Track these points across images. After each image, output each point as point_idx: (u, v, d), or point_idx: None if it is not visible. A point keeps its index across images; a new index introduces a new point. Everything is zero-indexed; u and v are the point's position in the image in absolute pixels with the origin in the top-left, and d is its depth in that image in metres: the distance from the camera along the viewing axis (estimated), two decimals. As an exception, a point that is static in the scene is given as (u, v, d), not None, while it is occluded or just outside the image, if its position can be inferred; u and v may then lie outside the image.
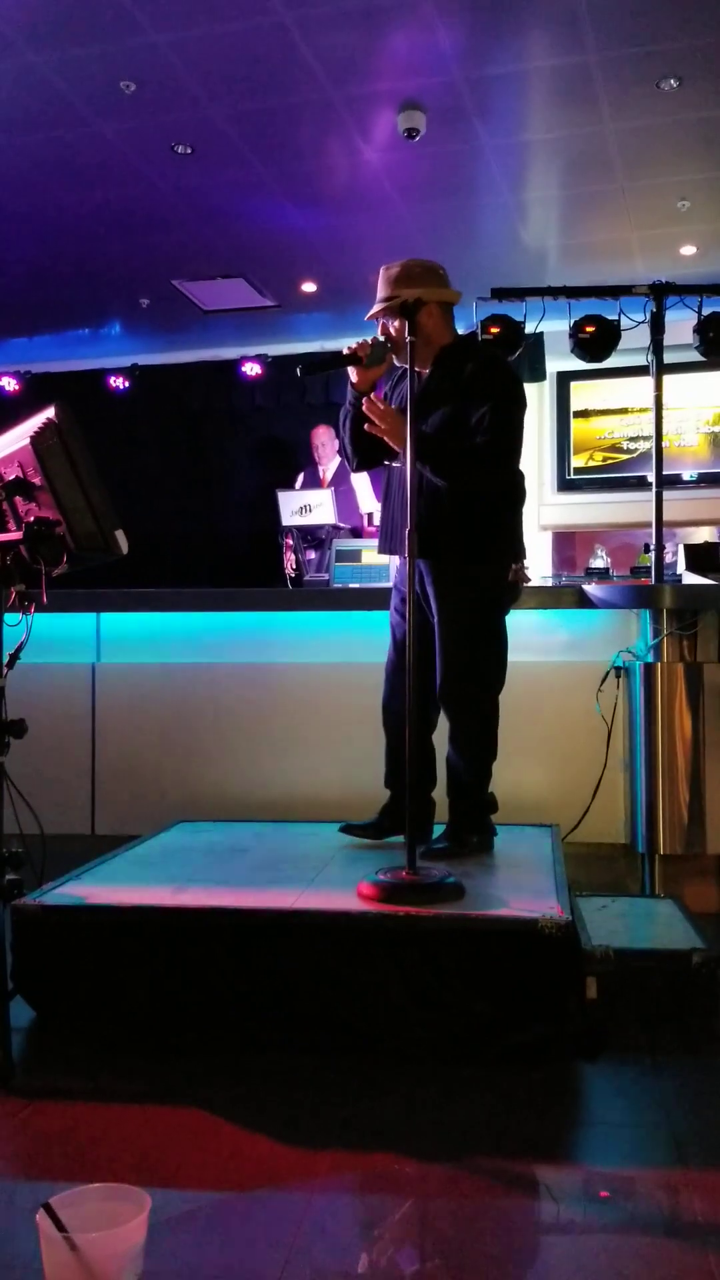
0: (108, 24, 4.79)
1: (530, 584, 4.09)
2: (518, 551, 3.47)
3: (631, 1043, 2.67)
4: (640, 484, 8.51)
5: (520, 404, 3.33)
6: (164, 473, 9.23)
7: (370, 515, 7.08)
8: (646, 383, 5.77)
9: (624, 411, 8.89)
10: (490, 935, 2.61)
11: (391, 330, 3.27)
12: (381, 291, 3.28)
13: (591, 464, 9.00)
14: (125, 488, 8.33)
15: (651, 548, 5.10)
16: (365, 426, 3.26)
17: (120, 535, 2.51)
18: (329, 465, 7.69)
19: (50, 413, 2.45)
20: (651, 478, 5.62)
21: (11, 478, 2.52)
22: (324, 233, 7.06)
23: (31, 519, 2.48)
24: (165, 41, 4.91)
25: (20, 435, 2.51)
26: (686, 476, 8.58)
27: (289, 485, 7.53)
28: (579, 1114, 2.40)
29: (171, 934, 2.73)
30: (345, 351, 3.26)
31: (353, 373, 3.33)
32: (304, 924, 2.69)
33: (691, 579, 4.22)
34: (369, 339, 3.27)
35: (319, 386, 8.94)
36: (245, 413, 9.36)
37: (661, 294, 5.22)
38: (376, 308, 3.27)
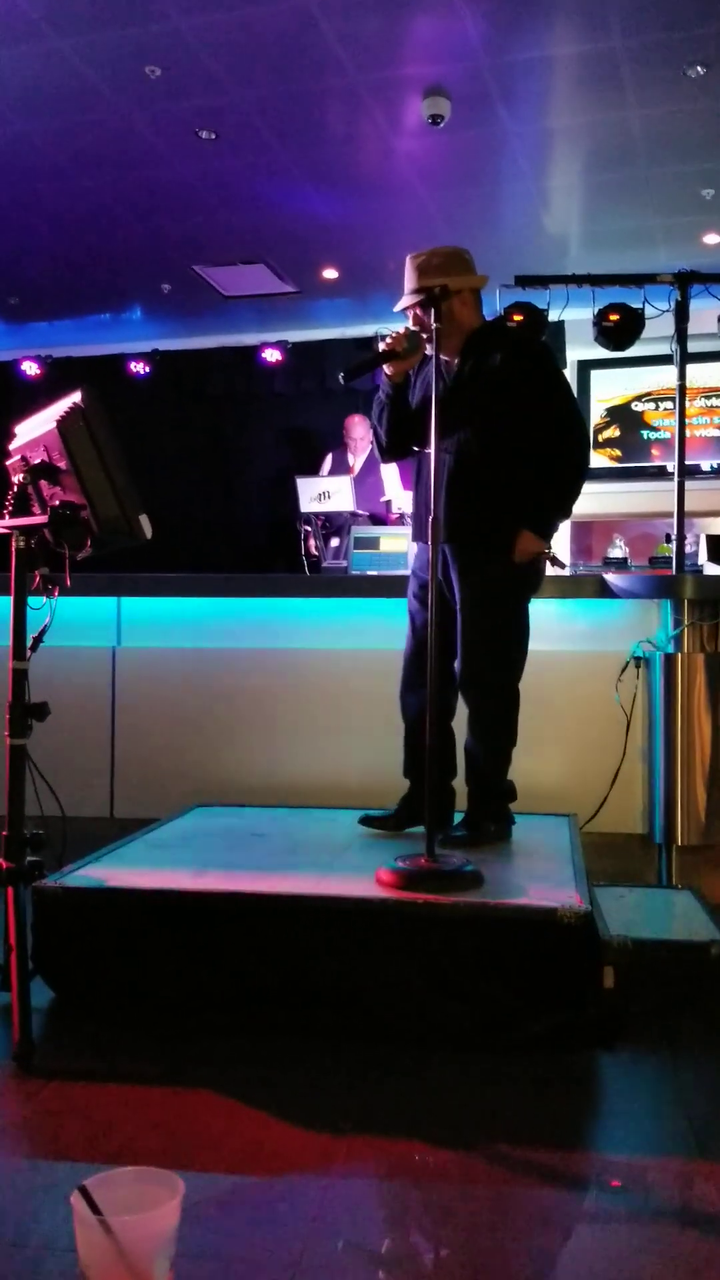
0: (132, 8, 4.77)
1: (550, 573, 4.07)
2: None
3: (648, 1033, 2.67)
4: (660, 474, 8.48)
5: (565, 382, 3.39)
6: (183, 458, 9.23)
7: (389, 502, 7.07)
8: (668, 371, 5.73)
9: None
10: (509, 923, 2.61)
11: (423, 319, 3.26)
12: (409, 282, 3.27)
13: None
14: (144, 473, 8.29)
15: (673, 538, 5.08)
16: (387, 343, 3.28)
17: (144, 520, 2.52)
18: (360, 456, 7.64)
19: (76, 397, 2.46)
20: (672, 467, 5.59)
21: (37, 461, 2.53)
22: (346, 219, 7.04)
23: (56, 503, 2.49)
24: (190, 26, 4.90)
25: (47, 419, 2.52)
26: (706, 467, 8.54)
27: (310, 470, 7.52)
28: (595, 1103, 2.41)
29: (190, 917, 2.75)
30: (383, 348, 3.28)
31: (386, 366, 3.34)
32: (323, 909, 2.70)
33: (714, 569, 4.21)
34: (402, 331, 3.26)
35: (338, 373, 8.90)
36: (265, 398, 9.35)
37: (686, 282, 5.18)
38: (406, 300, 3.27)
